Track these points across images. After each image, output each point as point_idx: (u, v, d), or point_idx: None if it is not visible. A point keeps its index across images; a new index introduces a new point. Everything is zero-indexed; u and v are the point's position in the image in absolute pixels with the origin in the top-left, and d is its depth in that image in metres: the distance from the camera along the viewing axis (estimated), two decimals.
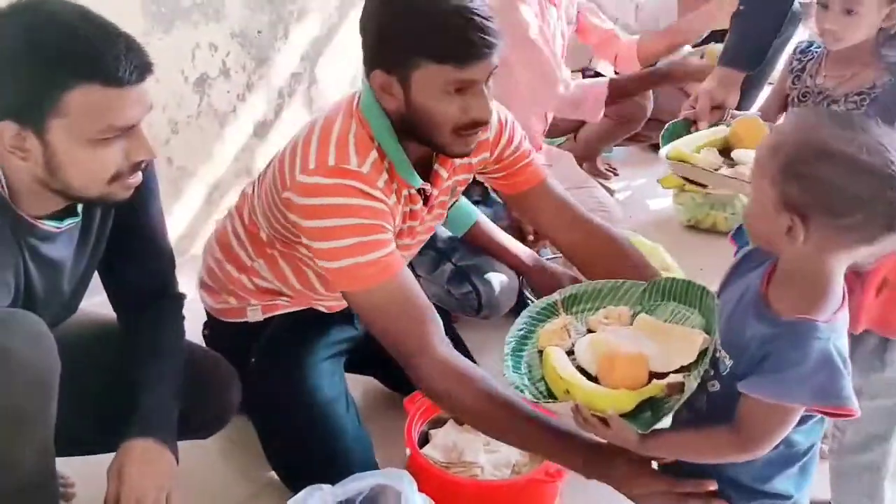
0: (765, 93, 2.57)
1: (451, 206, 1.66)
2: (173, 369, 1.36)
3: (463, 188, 1.62)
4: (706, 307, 1.16)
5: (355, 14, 1.92)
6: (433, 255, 2.00)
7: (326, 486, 1.41)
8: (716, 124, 1.72)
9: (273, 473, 1.64)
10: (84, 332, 1.43)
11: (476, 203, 2.19)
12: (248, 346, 1.60)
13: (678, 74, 2.51)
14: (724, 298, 1.11)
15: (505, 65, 2.19)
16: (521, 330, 1.29)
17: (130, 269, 1.40)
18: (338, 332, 1.61)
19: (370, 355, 1.76)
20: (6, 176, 1.13)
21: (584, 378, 1.14)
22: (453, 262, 1.96)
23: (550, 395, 1.17)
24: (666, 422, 1.11)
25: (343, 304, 1.53)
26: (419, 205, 1.45)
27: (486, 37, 1.24)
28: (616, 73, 2.76)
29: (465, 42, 1.24)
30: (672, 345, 1.15)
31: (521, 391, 1.18)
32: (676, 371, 1.11)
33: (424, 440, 1.63)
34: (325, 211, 1.30)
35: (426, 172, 1.45)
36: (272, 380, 1.55)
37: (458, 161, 1.47)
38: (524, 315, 1.31)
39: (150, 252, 1.42)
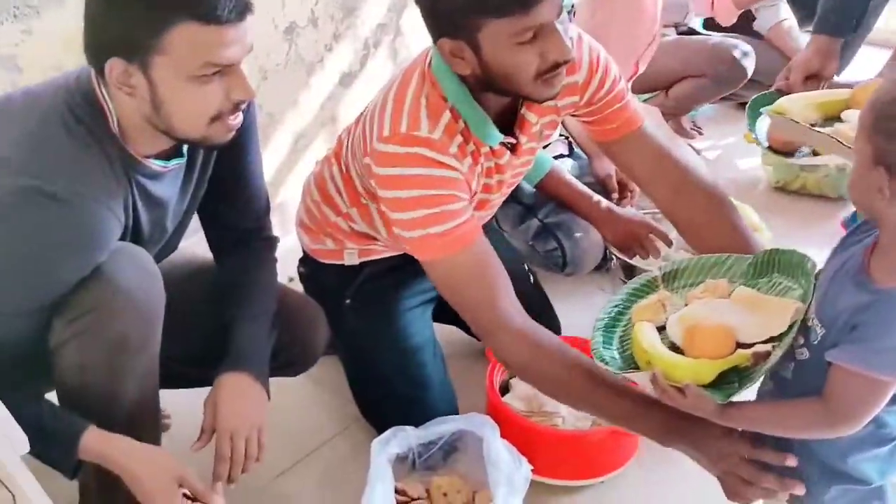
0: (862, 56, 2.48)
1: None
2: (266, 309, 1.41)
3: (552, 132, 1.55)
4: (807, 276, 1.13)
5: None
6: (519, 209, 2.00)
7: (410, 428, 1.46)
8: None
9: (359, 414, 1.68)
10: (182, 271, 1.48)
11: (559, 157, 2.18)
12: (343, 287, 1.62)
13: None
14: (826, 269, 1.08)
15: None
16: (616, 306, 1.28)
17: (229, 210, 1.44)
18: (418, 283, 1.61)
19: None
20: (117, 114, 1.18)
21: (664, 349, 1.13)
22: (539, 219, 1.95)
23: (634, 368, 1.17)
24: (749, 394, 1.10)
25: None
26: (505, 157, 1.42)
27: None
28: (712, 20, 2.68)
29: None
30: (766, 316, 1.12)
31: (607, 363, 1.18)
32: (765, 342, 1.09)
33: (505, 390, 1.65)
34: (397, 181, 1.29)
35: (511, 121, 1.41)
36: (363, 322, 1.58)
37: (544, 104, 1.39)
38: (623, 291, 1.30)
39: (249, 194, 1.45)
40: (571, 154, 2.25)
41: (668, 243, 1.76)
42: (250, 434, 1.29)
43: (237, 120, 1.21)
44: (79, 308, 1.14)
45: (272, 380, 1.38)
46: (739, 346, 1.10)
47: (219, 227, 1.48)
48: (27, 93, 1.19)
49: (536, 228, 1.95)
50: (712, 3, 2.58)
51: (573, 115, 1.51)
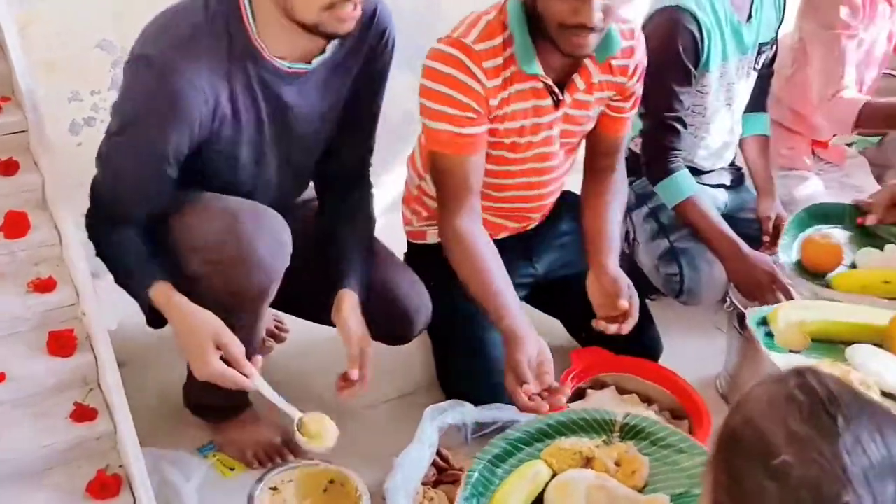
0: None
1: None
2: (370, 237, 1.62)
3: (600, 103, 1.63)
4: None
5: None
6: (655, 227, 1.99)
7: (469, 406, 1.53)
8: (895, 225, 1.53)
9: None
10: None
11: (719, 186, 2.12)
12: (429, 268, 1.68)
13: None
14: None
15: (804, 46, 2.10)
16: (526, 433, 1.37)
17: (349, 143, 1.57)
18: (514, 267, 1.66)
19: (553, 297, 1.85)
20: (251, 6, 1.30)
21: None
22: (670, 240, 1.94)
23: None
24: None
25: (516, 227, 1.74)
26: (547, 101, 1.54)
27: None
28: None
29: None
30: None
31: None
32: None
33: (581, 396, 1.68)
34: (433, 74, 1.47)
35: (564, 82, 1.55)
36: (444, 304, 1.65)
37: (596, 78, 1.56)
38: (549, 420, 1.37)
39: (368, 130, 1.58)
40: (738, 186, 2.18)
41: (789, 297, 1.69)
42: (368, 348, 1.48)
43: (354, 11, 1.28)
44: (213, 252, 1.34)
45: None
46: None
47: (332, 162, 1.59)
48: None
49: (664, 249, 1.94)
50: None
51: (609, 101, 1.64)
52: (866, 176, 2.54)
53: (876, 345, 1.34)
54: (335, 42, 1.38)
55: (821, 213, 1.69)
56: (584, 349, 1.73)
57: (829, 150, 2.46)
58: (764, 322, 1.39)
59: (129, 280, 1.38)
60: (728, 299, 1.82)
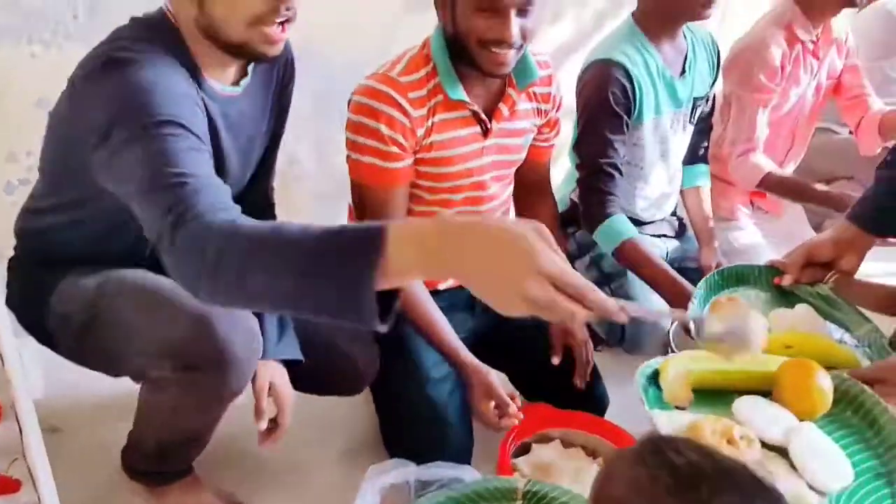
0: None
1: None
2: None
3: (528, 132, 1.70)
4: None
5: None
6: (597, 275, 2.02)
7: (411, 464, 1.51)
8: (811, 285, 1.50)
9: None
10: None
11: (661, 236, 2.16)
12: None
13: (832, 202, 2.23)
14: None
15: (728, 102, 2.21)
16: None
17: (264, 172, 1.56)
18: (456, 319, 1.66)
19: (497, 350, 1.82)
20: (185, 35, 1.25)
21: None
22: (611, 288, 1.96)
23: None
24: None
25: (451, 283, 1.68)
26: (476, 129, 1.59)
27: None
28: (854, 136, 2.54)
29: None
30: None
31: None
32: None
33: (526, 451, 1.66)
34: (360, 108, 1.51)
35: (490, 110, 1.60)
36: (387, 359, 1.62)
37: (521, 105, 1.63)
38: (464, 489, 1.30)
39: (275, 159, 1.58)
40: (679, 236, 2.22)
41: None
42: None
43: (281, 34, 1.23)
44: (186, 358, 1.24)
45: None
46: None
47: (249, 193, 1.52)
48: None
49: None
50: (858, 123, 2.44)
51: (537, 129, 1.71)
52: (804, 226, 2.61)
53: (765, 392, 1.32)
54: (250, 71, 1.37)
55: (735, 275, 1.61)
56: (530, 405, 1.72)
57: (767, 200, 2.53)
58: (656, 375, 1.35)
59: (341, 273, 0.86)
60: (670, 348, 1.84)
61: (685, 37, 2.00)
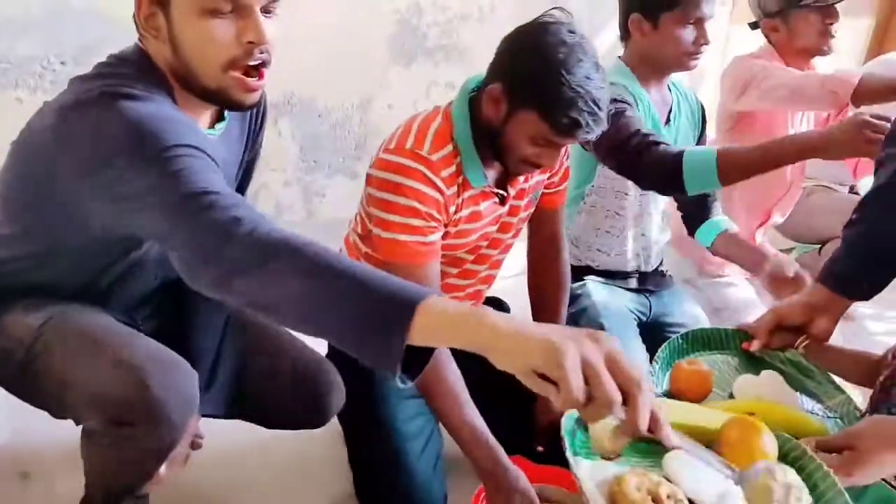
0: None
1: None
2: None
3: (541, 189, 1.73)
4: None
5: None
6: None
7: None
8: (782, 350, 1.43)
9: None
10: None
11: (647, 291, 2.13)
12: (350, 370, 1.58)
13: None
14: None
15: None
16: None
17: None
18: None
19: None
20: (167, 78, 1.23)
21: None
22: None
23: None
24: None
25: None
26: (494, 200, 1.60)
27: (591, 123, 1.40)
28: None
29: (572, 120, 1.39)
30: None
31: None
32: None
33: None
34: (390, 186, 1.45)
35: (504, 181, 1.61)
36: (362, 411, 1.61)
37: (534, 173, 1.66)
38: None
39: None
40: (662, 291, 2.18)
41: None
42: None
43: (257, 82, 1.22)
44: (119, 414, 1.20)
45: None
46: None
47: None
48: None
49: None
50: (855, 168, 2.42)
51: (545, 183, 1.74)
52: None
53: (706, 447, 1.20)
54: (227, 116, 1.36)
55: (701, 339, 1.52)
56: (513, 457, 1.68)
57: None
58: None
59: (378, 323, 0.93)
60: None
61: (670, 90, 2.00)
